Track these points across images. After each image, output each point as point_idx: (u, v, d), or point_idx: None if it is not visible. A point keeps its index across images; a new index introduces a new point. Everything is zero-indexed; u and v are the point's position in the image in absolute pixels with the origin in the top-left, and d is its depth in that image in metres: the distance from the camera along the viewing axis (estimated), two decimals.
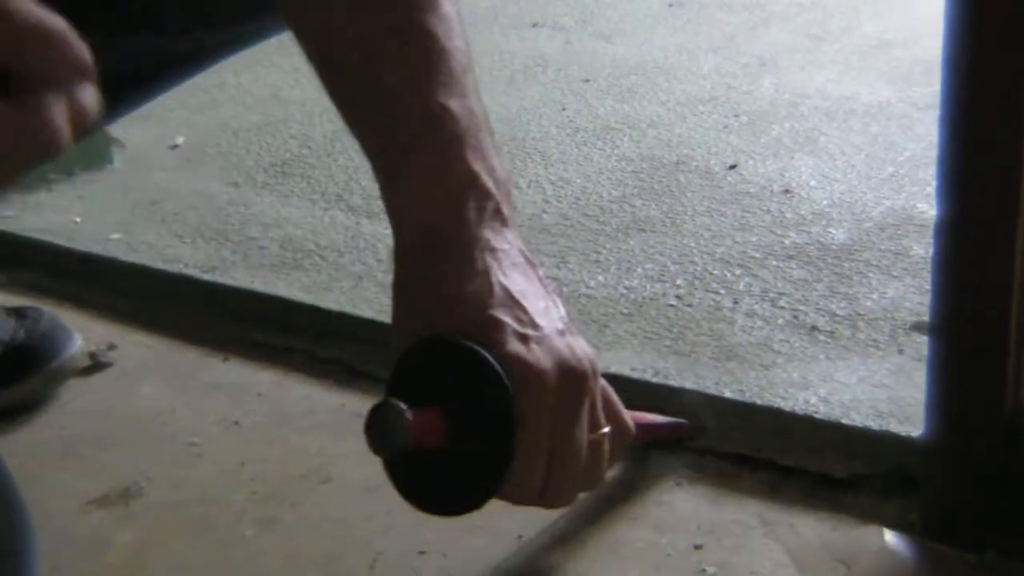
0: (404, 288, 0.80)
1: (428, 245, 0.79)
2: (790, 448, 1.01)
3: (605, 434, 0.83)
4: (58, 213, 1.59)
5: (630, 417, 0.86)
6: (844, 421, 1.00)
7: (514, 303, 0.76)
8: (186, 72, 1.01)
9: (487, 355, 0.75)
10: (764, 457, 1.02)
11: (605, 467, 0.83)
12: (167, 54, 0.94)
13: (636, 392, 1.03)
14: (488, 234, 0.79)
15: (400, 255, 0.81)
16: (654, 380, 1.07)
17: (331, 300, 1.29)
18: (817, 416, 1.01)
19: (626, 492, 1.01)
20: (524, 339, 0.75)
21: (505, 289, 0.76)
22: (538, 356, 0.74)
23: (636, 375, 1.09)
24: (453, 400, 0.76)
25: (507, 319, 0.75)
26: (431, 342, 0.79)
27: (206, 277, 1.37)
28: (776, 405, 1.03)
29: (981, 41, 0.79)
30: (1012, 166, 0.80)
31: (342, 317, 1.26)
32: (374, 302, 1.27)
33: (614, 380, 0.85)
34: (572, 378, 0.76)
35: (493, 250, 0.78)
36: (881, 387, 1.05)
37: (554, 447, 0.77)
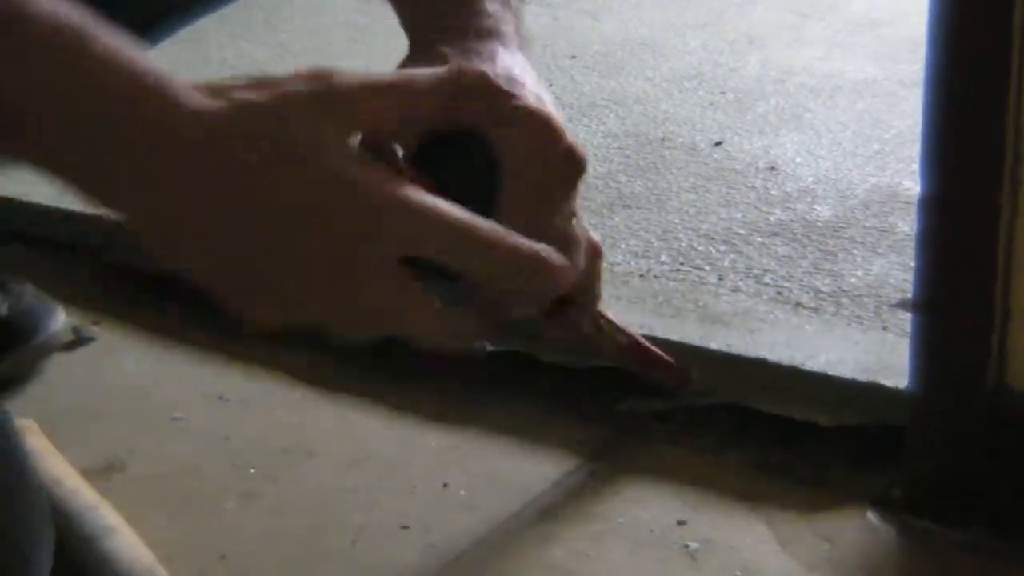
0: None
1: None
2: (775, 399, 1.01)
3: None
4: (43, 187, 1.58)
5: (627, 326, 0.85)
6: (830, 372, 1.01)
7: (533, 82, 0.77)
8: (176, 24, 1.01)
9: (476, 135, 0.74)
10: (749, 406, 1.02)
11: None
12: (160, 4, 0.94)
13: None
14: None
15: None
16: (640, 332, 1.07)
17: None
18: (803, 367, 1.02)
19: (610, 466, 1.01)
20: (540, 99, 0.76)
21: (527, 70, 0.77)
22: (552, 111, 0.76)
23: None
24: (440, 167, 0.73)
25: (528, 81, 0.76)
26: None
27: None
28: (761, 356, 1.04)
29: (964, 18, 0.79)
30: (995, 143, 0.80)
31: None
32: None
33: None
34: (574, 155, 0.77)
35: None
36: (866, 354, 1.05)
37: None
